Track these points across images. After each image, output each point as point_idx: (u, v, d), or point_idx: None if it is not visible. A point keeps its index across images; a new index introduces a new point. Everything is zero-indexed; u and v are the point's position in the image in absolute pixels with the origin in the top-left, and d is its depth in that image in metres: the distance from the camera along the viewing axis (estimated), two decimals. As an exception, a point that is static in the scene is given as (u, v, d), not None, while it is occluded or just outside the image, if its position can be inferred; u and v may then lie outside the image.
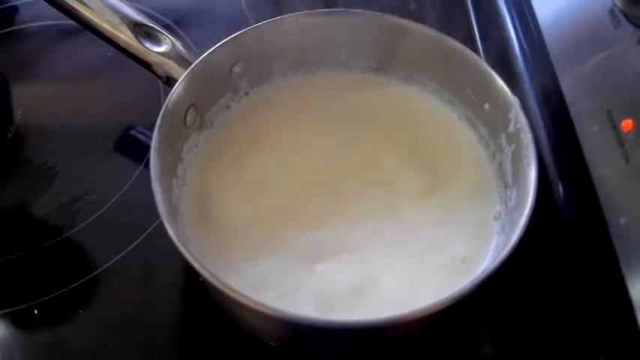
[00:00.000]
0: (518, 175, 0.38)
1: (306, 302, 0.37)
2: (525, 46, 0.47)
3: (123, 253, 0.44)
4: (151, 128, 0.38)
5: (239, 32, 0.43)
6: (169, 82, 0.42)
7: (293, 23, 0.45)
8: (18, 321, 0.42)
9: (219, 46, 0.42)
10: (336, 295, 0.37)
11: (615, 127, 0.35)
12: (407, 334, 0.37)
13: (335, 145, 0.45)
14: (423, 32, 0.44)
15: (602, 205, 0.36)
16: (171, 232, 0.33)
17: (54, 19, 0.59)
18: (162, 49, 0.43)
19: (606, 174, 0.36)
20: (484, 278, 0.32)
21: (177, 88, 0.40)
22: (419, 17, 0.45)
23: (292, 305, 0.37)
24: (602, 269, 0.36)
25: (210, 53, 0.42)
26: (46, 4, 0.44)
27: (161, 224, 0.33)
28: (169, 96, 0.39)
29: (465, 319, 0.41)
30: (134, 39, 0.43)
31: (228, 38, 0.43)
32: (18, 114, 0.54)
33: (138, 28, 0.43)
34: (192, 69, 0.41)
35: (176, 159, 0.42)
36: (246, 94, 0.47)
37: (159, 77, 0.43)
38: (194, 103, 0.42)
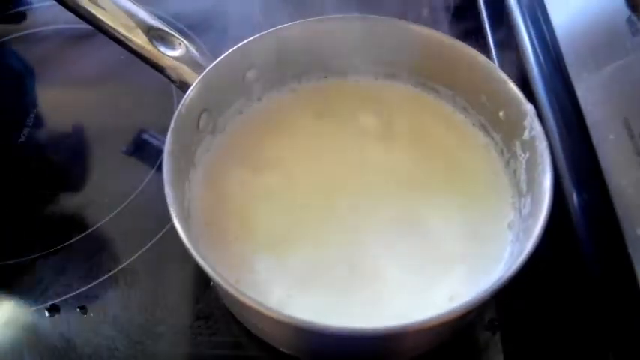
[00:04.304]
0: (533, 183, 0.38)
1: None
2: (540, 53, 0.47)
3: (134, 257, 0.44)
4: (164, 132, 0.38)
5: (253, 37, 0.43)
6: (183, 86, 0.42)
7: (306, 29, 0.45)
8: (28, 322, 0.42)
9: (233, 51, 0.43)
10: (346, 300, 0.37)
11: (633, 137, 0.35)
12: (419, 342, 0.37)
13: (347, 149, 0.45)
14: (437, 39, 0.44)
15: (619, 216, 0.36)
16: (183, 237, 0.33)
17: (68, 22, 0.59)
18: (176, 53, 0.43)
19: (623, 184, 0.36)
20: (499, 286, 0.31)
21: (190, 93, 0.40)
22: (433, 24, 0.45)
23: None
24: (618, 280, 0.35)
25: (223, 58, 0.42)
26: (61, 8, 0.44)
27: (173, 228, 0.34)
28: (183, 100, 0.40)
29: (476, 324, 0.40)
30: (148, 43, 0.43)
31: (241, 43, 0.43)
32: (31, 117, 0.54)
33: (152, 32, 0.43)
34: (205, 74, 0.41)
35: (189, 163, 0.42)
36: (259, 98, 0.47)
37: (172, 81, 0.43)
38: (207, 108, 0.42)
